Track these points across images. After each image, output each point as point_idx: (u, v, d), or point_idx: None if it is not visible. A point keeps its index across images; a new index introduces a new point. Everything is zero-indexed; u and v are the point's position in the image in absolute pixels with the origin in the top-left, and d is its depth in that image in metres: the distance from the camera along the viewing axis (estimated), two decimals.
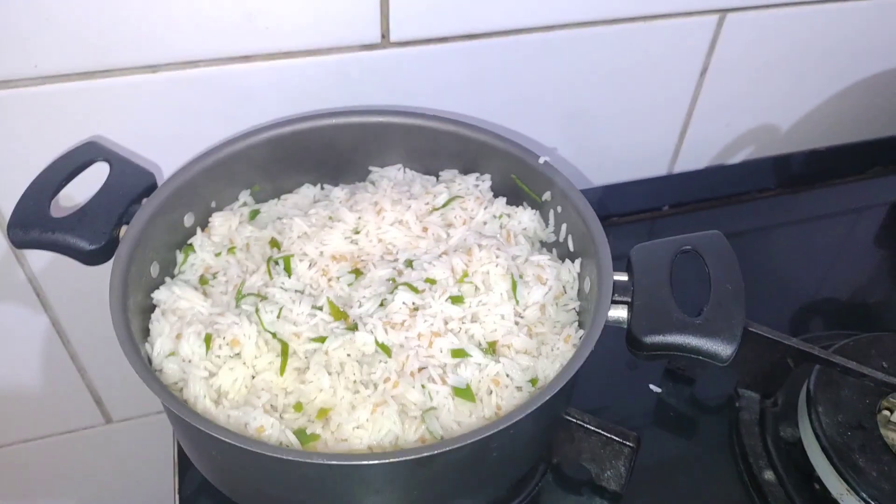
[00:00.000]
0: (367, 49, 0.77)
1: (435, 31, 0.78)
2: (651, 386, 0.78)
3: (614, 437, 0.62)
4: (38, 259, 0.84)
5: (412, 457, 0.46)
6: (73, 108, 0.72)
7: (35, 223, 0.60)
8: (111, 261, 0.62)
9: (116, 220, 0.62)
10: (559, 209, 0.70)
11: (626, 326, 0.57)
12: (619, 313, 0.57)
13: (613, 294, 0.57)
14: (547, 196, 0.71)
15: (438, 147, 0.76)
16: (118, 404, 1.04)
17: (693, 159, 1.06)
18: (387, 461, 0.45)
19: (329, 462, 0.46)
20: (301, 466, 0.46)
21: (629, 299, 0.58)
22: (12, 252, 0.82)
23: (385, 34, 0.77)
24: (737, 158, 1.08)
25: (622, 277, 0.59)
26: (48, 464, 1.08)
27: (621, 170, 1.02)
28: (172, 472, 0.72)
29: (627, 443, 0.61)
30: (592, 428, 0.62)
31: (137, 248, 0.61)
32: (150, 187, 0.66)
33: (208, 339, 0.59)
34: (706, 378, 0.79)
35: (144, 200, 0.65)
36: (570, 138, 0.95)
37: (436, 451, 0.46)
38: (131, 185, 0.65)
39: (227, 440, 0.46)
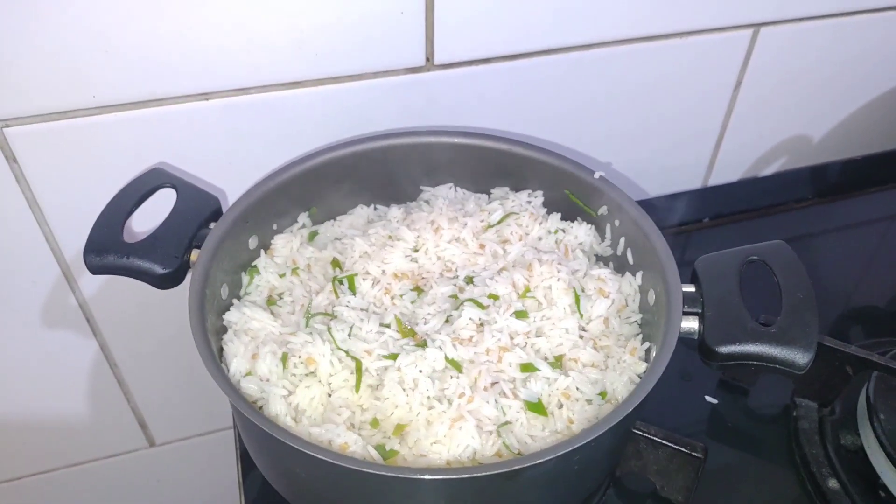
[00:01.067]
0: (413, 72, 0.79)
1: (478, 53, 0.80)
2: (707, 397, 0.78)
3: (682, 449, 0.62)
4: (89, 285, 0.85)
5: (508, 469, 0.46)
6: (130, 137, 0.74)
7: (110, 249, 0.62)
8: (172, 285, 0.64)
9: (187, 245, 0.64)
10: (617, 223, 0.71)
11: (696, 337, 0.58)
12: (690, 325, 0.58)
13: (683, 306, 0.57)
14: (603, 210, 0.72)
15: (489, 165, 0.78)
16: (162, 428, 1.05)
17: (728, 172, 1.07)
18: (486, 473, 0.46)
19: (439, 477, 0.46)
20: (397, 482, 0.47)
21: (699, 310, 0.58)
22: (65, 278, 0.83)
23: (430, 57, 0.78)
24: (770, 170, 1.09)
25: (690, 289, 0.60)
26: (93, 489, 1.08)
27: (657, 184, 1.03)
28: (238, 491, 0.72)
29: (695, 454, 0.62)
30: (659, 440, 0.62)
31: (210, 271, 0.62)
32: (216, 211, 0.67)
33: (285, 358, 0.60)
34: (760, 388, 0.79)
35: (212, 224, 0.66)
36: (607, 153, 0.96)
37: (527, 465, 0.47)
38: (198, 209, 0.66)
39: (328, 460, 0.46)
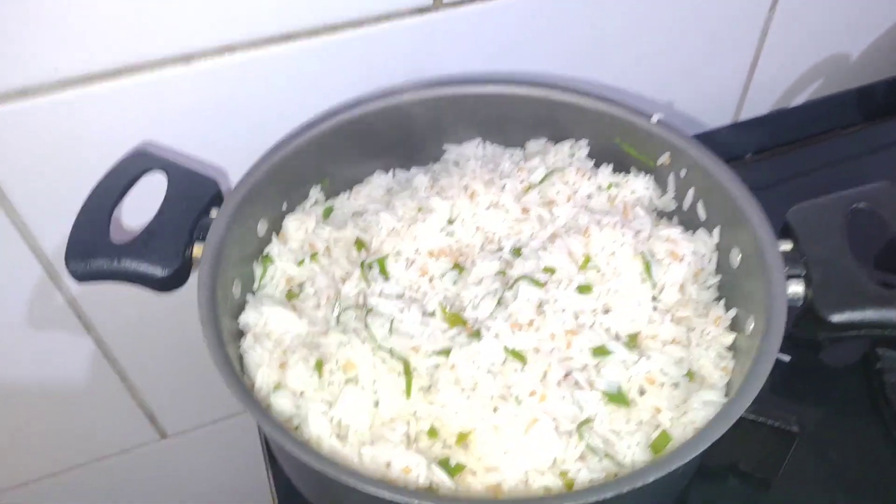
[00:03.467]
0: (419, 13, 0.69)
1: None
2: (779, 355, 0.70)
3: (775, 424, 0.55)
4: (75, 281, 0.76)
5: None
6: (103, 115, 0.64)
7: (96, 252, 0.52)
8: (175, 287, 0.55)
9: (188, 238, 0.54)
10: (682, 173, 0.62)
11: (800, 304, 0.50)
12: (794, 289, 0.49)
13: (784, 267, 0.49)
14: (664, 159, 0.63)
15: (521, 115, 0.68)
16: (172, 419, 1.00)
17: (760, 99, 0.98)
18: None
19: None
20: None
21: (802, 272, 0.50)
22: (48, 276, 0.75)
23: None
24: (802, 97, 1.01)
25: (786, 246, 0.51)
26: (105, 486, 1.03)
27: (688, 117, 0.95)
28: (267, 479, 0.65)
29: (791, 428, 0.54)
30: (750, 416, 0.55)
31: (219, 268, 0.53)
32: (216, 196, 0.58)
33: (319, 365, 0.51)
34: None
35: (215, 211, 0.56)
36: (640, 87, 0.87)
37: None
38: (195, 195, 0.56)
39: (396, 499, 0.38)
